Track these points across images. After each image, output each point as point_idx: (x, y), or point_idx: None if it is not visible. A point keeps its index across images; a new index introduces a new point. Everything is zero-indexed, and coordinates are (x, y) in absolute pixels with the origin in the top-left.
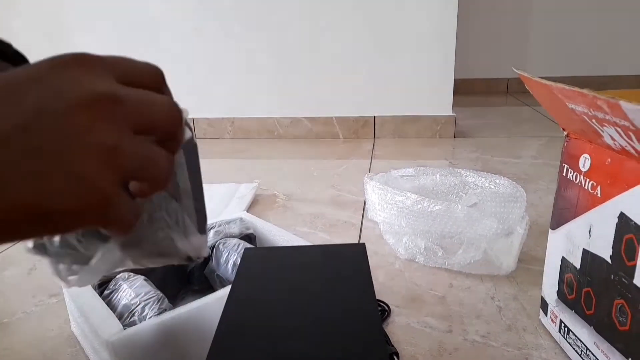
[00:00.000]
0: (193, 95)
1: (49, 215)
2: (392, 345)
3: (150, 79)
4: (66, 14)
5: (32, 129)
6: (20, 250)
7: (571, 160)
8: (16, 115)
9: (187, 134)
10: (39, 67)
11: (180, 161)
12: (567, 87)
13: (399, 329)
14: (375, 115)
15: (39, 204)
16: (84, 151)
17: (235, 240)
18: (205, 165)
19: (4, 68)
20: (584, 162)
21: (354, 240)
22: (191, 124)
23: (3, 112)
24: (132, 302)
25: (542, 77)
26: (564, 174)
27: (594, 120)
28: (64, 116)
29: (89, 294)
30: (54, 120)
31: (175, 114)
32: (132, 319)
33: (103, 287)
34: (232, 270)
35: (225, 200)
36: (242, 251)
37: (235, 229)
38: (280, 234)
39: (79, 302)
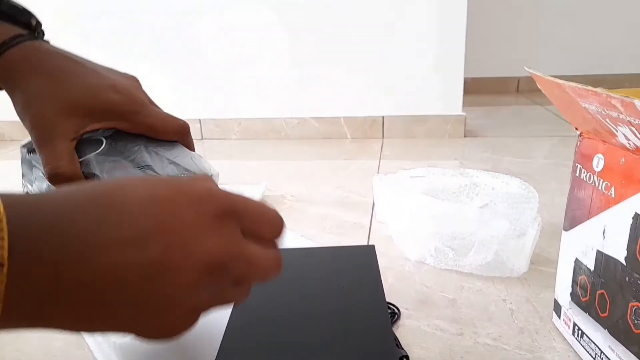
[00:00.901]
0: (199, 96)
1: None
2: (402, 349)
3: (273, 228)
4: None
5: (149, 278)
6: None
7: (584, 160)
8: (140, 263)
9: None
10: (180, 203)
11: None
12: (579, 85)
13: (409, 332)
14: (384, 115)
15: (128, 330)
16: (179, 314)
17: None
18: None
19: None
20: (598, 162)
21: (362, 241)
22: (199, 129)
23: (132, 256)
24: None
25: (554, 76)
26: (577, 174)
27: (607, 120)
28: (174, 275)
29: None
30: (165, 277)
31: (280, 225)
32: None
33: None
34: None
35: None
36: None
37: None
38: (287, 236)
39: None
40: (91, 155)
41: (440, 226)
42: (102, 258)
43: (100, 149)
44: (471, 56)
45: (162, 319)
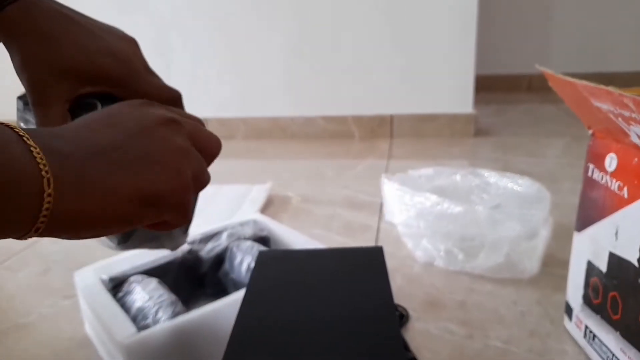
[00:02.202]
0: (205, 95)
1: (157, 197)
2: (411, 351)
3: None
4: None
5: (136, 140)
6: (35, 252)
7: (597, 160)
8: (124, 132)
9: None
10: (123, 105)
11: None
12: (592, 84)
13: (418, 334)
14: (392, 113)
15: (150, 188)
16: (168, 150)
17: (249, 243)
18: (217, 166)
19: None
20: (610, 162)
21: (370, 242)
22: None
23: (114, 131)
24: (146, 304)
25: (565, 73)
26: (589, 174)
27: (620, 119)
28: (152, 131)
29: (103, 296)
30: (147, 133)
31: (219, 142)
32: (145, 322)
33: (117, 289)
34: (246, 273)
35: (238, 201)
36: (256, 254)
37: (248, 231)
38: (294, 237)
39: (93, 303)
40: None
41: (450, 227)
42: (100, 137)
43: (94, 112)
44: (482, 53)
45: (164, 164)
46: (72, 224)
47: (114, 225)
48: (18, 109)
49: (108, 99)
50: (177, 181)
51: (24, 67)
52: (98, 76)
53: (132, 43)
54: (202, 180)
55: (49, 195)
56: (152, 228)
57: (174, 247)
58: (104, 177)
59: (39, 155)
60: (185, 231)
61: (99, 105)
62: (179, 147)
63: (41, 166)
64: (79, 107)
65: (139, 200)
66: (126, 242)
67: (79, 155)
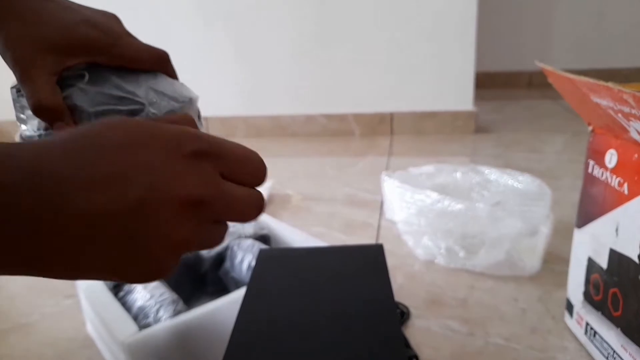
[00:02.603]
0: (205, 93)
1: (121, 279)
2: (412, 349)
3: (254, 175)
4: None
5: (131, 215)
6: None
7: (597, 156)
8: (124, 201)
9: (201, 128)
10: (153, 147)
11: None
12: (591, 80)
13: (419, 332)
14: (393, 111)
15: (110, 273)
16: (163, 246)
17: (249, 241)
18: None
19: None
20: (610, 158)
21: (371, 240)
22: (203, 122)
23: (115, 195)
24: (147, 303)
25: (565, 70)
26: (590, 171)
27: (619, 115)
28: (159, 212)
29: (104, 295)
30: (150, 212)
31: (257, 214)
32: (147, 321)
33: (118, 288)
34: (247, 272)
35: None
36: (257, 252)
37: (249, 229)
38: (295, 235)
39: (94, 303)
40: (73, 88)
41: (451, 225)
42: (80, 200)
43: (83, 81)
44: (482, 50)
45: (145, 258)
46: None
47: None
48: (13, 99)
49: (96, 69)
50: (151, 276)
51: (7, 47)
52: (81, 46)
53: (112, 16)
54: (203, 247)
55: None
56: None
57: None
58: (70, 247)
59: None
60: None
61: (87, 76)
62: (180, 242)
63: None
64: (68, 78)
65: (100, 277)
66: None
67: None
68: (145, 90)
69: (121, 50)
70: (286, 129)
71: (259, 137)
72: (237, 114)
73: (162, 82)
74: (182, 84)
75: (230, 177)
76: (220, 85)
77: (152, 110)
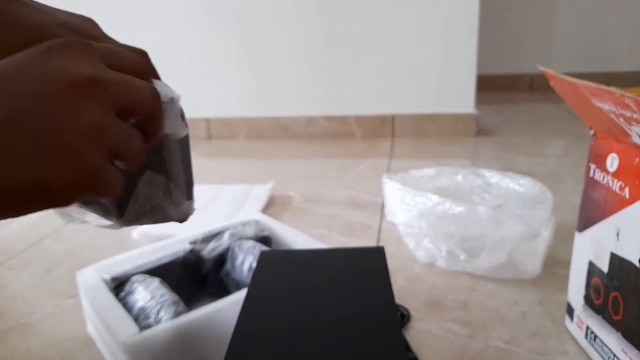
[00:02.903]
0: (207, 95)
1: (48, 189)
2: (412, 351)
3: (136, 65)
4: None
5: (24, 112)
6: (38, 252)
7: (598, 160)
8: (8, 101)
9: (184, 131)
10: (29, 53)
11: (174, 149)
12: (593, 84)
13: (419, 334)
14: (394, 113)
15: (38, 180)
16: (73, 131)
17: (250, 243)
18: (219, 166)
19: None
20: (612, 162)
21: (371, 242)
22: (207, 128)
23: (4, 96)
24: (148, 304)
25: (567, 73)
26: (591, 175)
27: (621, 119)
28: (52, 99)
29: (105, 296)
30: (43, 103)
31: (154, 99)
32: (147, 322)
33: (119, 288)
34: (248, 273)
35: (240, 201)
36: (258, 254)
37: (250, 230)
38: (296, 237)
39: (95, 303)
40: None
41: (452, 227)
42: None
43: None
44: (483, 53)
45: (61, 152)
46: None
47: None
48: None
49: None
50: (77, 169)
51: None
52: None
53: (88, 19)
54: (126, 154)
55: None
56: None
57: (182, 218)
58: None
59: None
60: (190, 197)
61: None
62: (90, 125)
63: None
64: None
65: (20, 194)
66: (122, 215)
67: None
68: None
69: None
70: (287, 130)
71: (261, 138)
72: (239, 115)
73: None
74: (163, 83)
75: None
76: (222, 87)
77: None
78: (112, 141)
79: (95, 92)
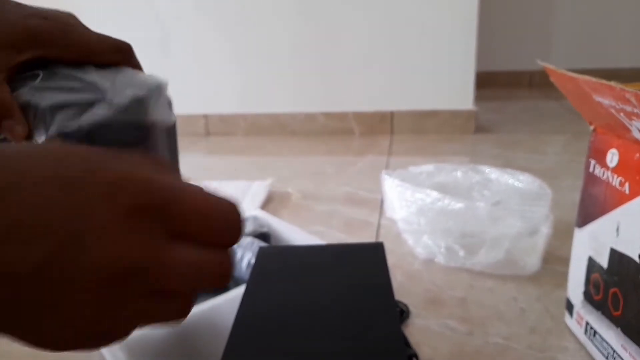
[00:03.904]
0: (205, 91)
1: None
2: (411, 348)
3: (216, 230)
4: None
5: (36, 283)
6: None
7: (598, 155)
8: (30, 259)
9: (172, 119)
10: (82, 191)
11: (161, 138)
12: (593, 79)
13: (418, 331)
14: (393, 110)
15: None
16: (73, 324)
17: (249, 239)
18: (218, 162)
19: None
20: (612, 157)
21: (370, 239)
22: (205, 125)
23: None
24: None
25: (567, 69)
26: (591, 170)
27: (622, 114)
28: (69, 283)
29: None
30: (58, 281)
31: (234, 215)
32: None
33: None
34: (247, 269)
35: (238, 197)
36: (257, 250)
37: (249, 227)
38: (295, 233)
39: None
40: (24, 88)
41: (451, 224)
42: None
43: (36, 81)
44: (482, 49)
45: (50, 332)
46: None
47: None
48: None
49: (53, 69)
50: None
51: None
52: (30, 38)
53: (66, 13)
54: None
55: None
56: None
57: None
58: None
59: None
60: None
61: (41, 75)
62: (113, 328)
63: None
64: (21, 80)
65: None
66: None
67: None
68: (106, 80)
69: (76, 39)
70: (286, 127)
71: (259, 135)
72: (237, 111)
73: (127, 73)
74: (149, 74)
75: (185, 236)
76: (220, 83)
77: (115, 100)
78: (144, 323)
79: (127, 289)
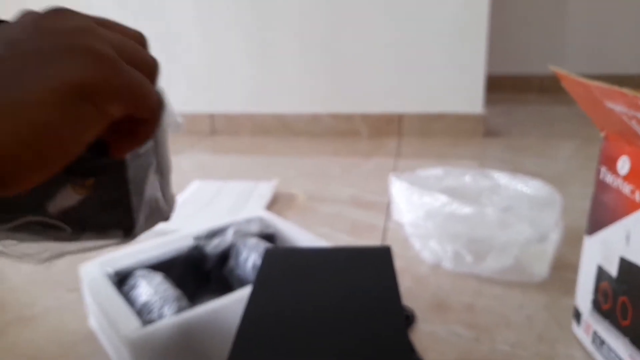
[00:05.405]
0: (211, 91)
1: (81, 87)
2: (418, 353)
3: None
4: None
5: (34, 39)
6: None
7: (609, 162)
8: (6, 39)
9: (171, 122)
10: (23, 18)
11: (164, 142)
12: (605, 85)
13: (424, 336)
14: (400, 112)
15: (64, 81)
16: (71, 33)
17: (254, 239)
18: (223, 162)
19: None
20: (623, 164)
21: (376, 242)
22: (211, 124)
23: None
24: (151, 299)
25: (579, 75)
26: (601, 177)
27: (633, 121)
28: (38, 29)
29: (108, 290)
30: (35, 33)
31: (159, 100)
32: (150, 316)
33: (122, 283)
34: (251, 270)
35: (244, 198)
36: (262, 251)
37: (254, 227)
38: (300, 235)
39: (98, 297)
40: None
41: (459, 228)
42: None
43: None
44: (493, 52)
45: (66, 49)
46: None
47: (52, 145)
48: None
49: None
50: (98, 60)
51: None
52: None
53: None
54: (138, 56)
55: None
56: (124, 123)
57: (169, 214)
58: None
59: None
60: (169, 201)
61: None
62: (77, 27)
63: None
64: None
65: (60, 100)
66: (130, 233)
67: None
68: None
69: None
70: (292, 128)
71: (265, 135)
72: (244, 111)
73: None
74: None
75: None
76: (227, 83)
77: None
78: (110, 36)
79: (95, 37)
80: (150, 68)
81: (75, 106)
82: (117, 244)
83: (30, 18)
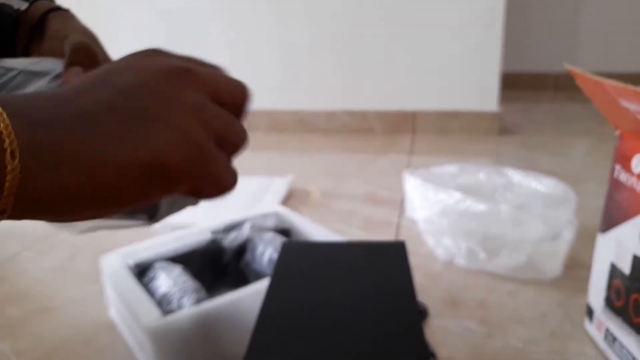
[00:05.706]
0: None
1: (162, 167)
2: (430, 348)
3: (232, 94)
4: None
5: (133, 97)
6: (63, 237)
7: (623, 160)
8: (118, 89)
9: None
10: (125, 58)
11: None
12: (620, 84)
13: (437, 332)
14: (415, 109)
15: (152, 157)
16: (179, 108)
17: (271, 234)
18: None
19: None
20: (637, 163)
21: (390, 238)
22: None
23: (106, 89)
24: (171, 290)
25: (594, 73)
26: (616, 176)
27: None
28: (155, 85)
29: (129, 281)
30: (148, 89)
31: (243, 89)
32: (170, 307)
33: (142, 274)
34: (267, 264)
35: (259, 193)
36: (278, 245)
37: (270, 222)
38: (316, 230)
39: (119, 288)
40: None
41: (473, 225)
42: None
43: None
44: (508, 50)
45: (166, 124)
46: (51, 205)
47: (112, 204)
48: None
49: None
50: (188, 145)
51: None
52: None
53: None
54: (232, 140)
55: (13, 170)
56: (187, 195)
57: (195, 202)
58: (90, 147)
59: (2, 120)
60: None
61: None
62: (189, 103)
63: (3, 136)
64: None
65: (139, 173)
66: (154, 217)
67: (59, 121)
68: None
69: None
70: (307, 124)
71: (281, 132)
72: (260, 107)
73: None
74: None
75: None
76: (242, 79)
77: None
78: (214, 121)
79: (188, 78)
80: (236, 148)
81: (147, 182)
82: (143, 225)
83: (149, 64)
